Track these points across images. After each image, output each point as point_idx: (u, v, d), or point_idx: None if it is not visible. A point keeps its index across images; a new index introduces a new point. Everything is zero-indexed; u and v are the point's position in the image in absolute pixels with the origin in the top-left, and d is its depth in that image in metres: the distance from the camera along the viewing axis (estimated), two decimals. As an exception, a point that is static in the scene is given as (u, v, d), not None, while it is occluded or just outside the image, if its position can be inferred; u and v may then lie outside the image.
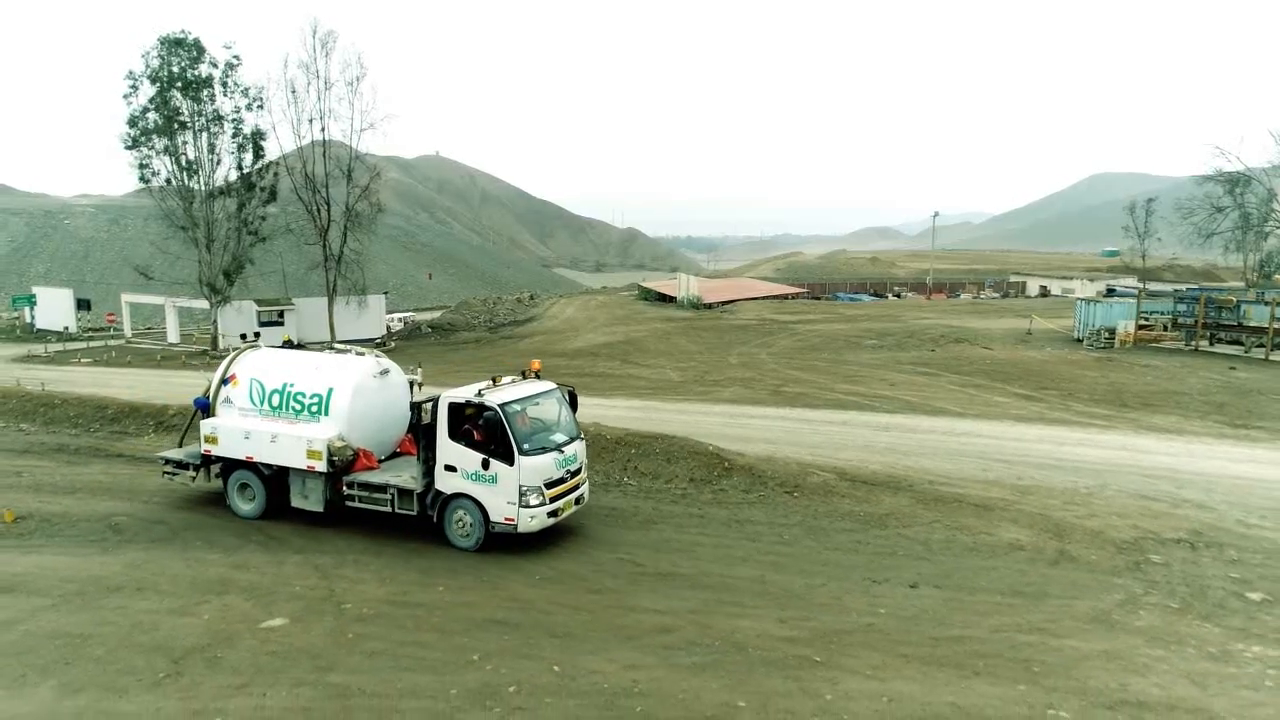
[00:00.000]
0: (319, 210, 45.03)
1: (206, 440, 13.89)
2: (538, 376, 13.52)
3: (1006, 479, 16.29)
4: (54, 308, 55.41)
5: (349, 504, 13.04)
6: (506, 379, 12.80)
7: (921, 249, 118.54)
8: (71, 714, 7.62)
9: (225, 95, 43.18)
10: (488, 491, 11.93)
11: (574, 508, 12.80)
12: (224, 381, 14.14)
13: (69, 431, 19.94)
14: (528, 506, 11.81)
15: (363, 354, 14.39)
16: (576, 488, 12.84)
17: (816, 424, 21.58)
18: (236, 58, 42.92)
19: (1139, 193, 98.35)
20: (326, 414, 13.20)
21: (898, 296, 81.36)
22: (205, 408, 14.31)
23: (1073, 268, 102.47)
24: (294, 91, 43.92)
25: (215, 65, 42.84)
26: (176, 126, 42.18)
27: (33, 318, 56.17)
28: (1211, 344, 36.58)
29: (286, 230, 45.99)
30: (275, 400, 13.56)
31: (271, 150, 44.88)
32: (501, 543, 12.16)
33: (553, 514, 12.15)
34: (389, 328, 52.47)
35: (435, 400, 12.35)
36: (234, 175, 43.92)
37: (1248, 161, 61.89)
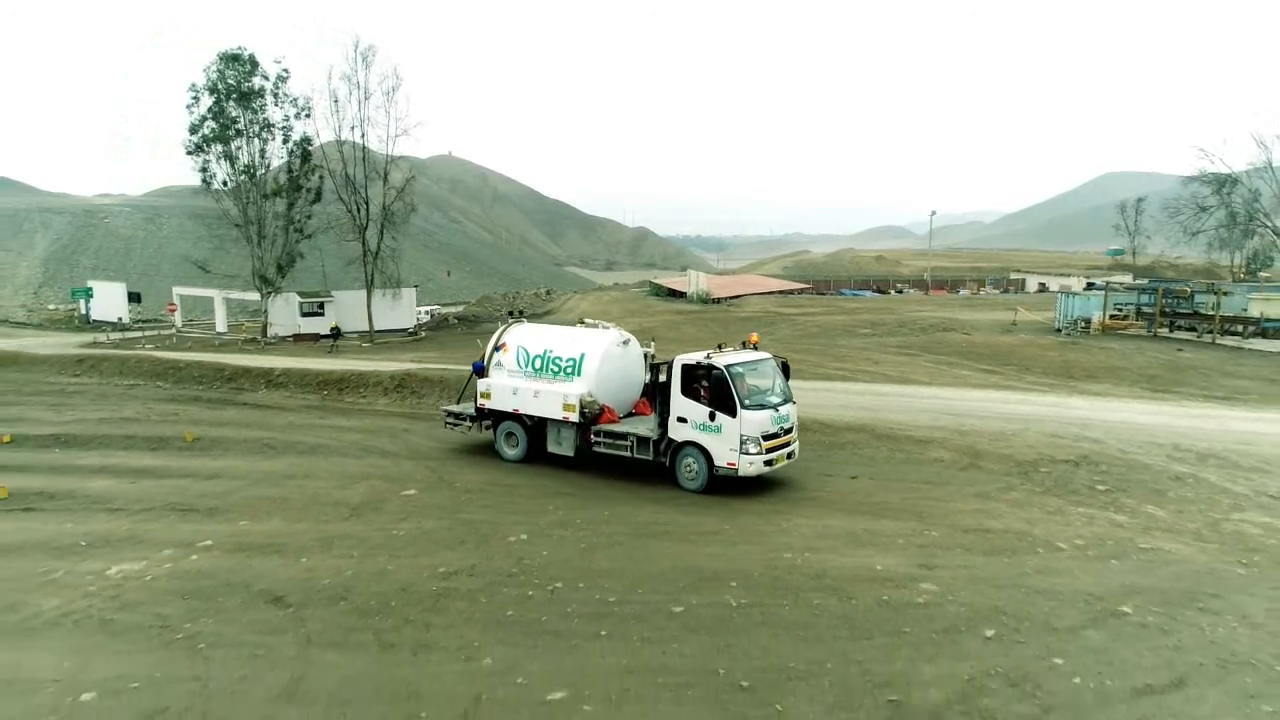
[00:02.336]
0: (358, 209, 49.28)
1: (481, 396, 16.56)
2: (755, 348, 15.44)
3: (950, 425, 20.37)
4: (108, 300, 58.99)
5: (595, 449, 15.32)
6: (729, 348, 14.79)
7: (930, 248, 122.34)
8: (300, 531, 11.98)
9: (276, 105, 47.42)
10: (713, 440, 13.74)
11: (786, 461, 14.39)
12: (496, 349, 16.66)
13: (197, 388, 24.53)
14: (747, 454, 13.49)
15: (608, 328, 16.73)
16: (789, 444, 14.46)
17: (803, 391, 25.43)
18: (286, 71, 47.04)
19: (1148, 191, 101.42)
20: (579, 375, 15.51)
21: (899, 292, 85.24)
22: (480, 370, 16.82)
23: (1074, 266, 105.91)
24: (336, 100, 48.19)
25: (266, 78, 47.07)
26: (233, 133, 46.43)
27: (87, 309, 60.00)
28: (1171, 330, 40.53)
29: (328, 228, 50.14)
30: (537, 364, 15.98)
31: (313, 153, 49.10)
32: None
33: (768, 463, 13.78)
34: (417, 319, 56.57)
35: (671, 362, 14.42)
36: (283, 178, 48.21)
37: (1233, 163, 64.97)
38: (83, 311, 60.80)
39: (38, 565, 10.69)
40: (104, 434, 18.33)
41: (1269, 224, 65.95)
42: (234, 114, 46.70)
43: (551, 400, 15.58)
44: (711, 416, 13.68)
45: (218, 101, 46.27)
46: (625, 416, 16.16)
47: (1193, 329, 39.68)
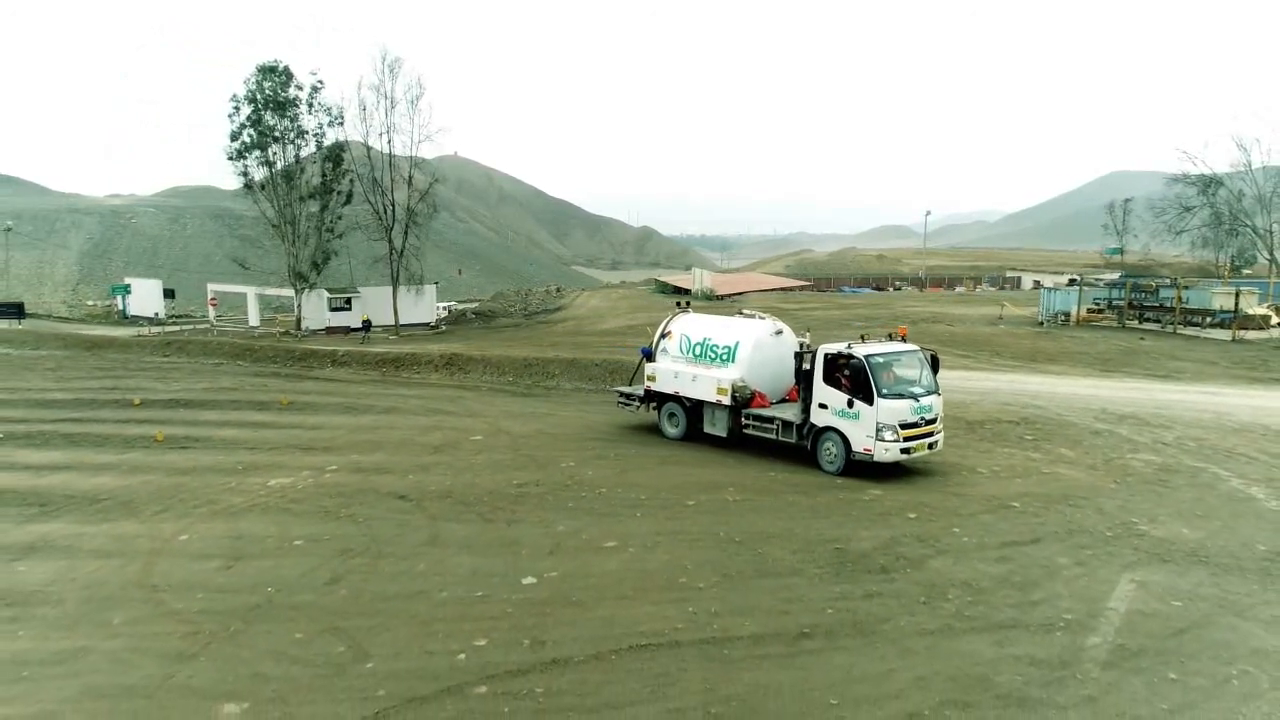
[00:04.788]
0: (384, 211, 52.75)
1: (648, 379, 17.92)
2: (904, 340, 15.88)
3: (919, 396, 23.95)
4: (145, 296, 62.19)
5: (745, 431, 16.21)
6: (872, 339, 15.63)
7: (932, 246, 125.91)
8: (399, 460, 15.67)
9: (310, 114, 50.92)
10: (851, 426, 14.32)
11: (926, 450, 14.65)
12: (662, 336, 18.05)
13: (273, 366, 28.35)
14: (883, 440, 13.94)
15: (763, 318, 17.70)
16: (931, 434, 14.70)
17: (796, 370, 29.29)
18: (320, 82, 50.46)
19: (1153, 191, 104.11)
20: (733, 361, 16.58)
21: (897, 289, 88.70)
22: (649, 355, 18.23)
23: (1071, 264, 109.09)
24: (364, 109, 51.67)
25: (300, 88, 50.53)
26: (270, 140, 49.91)
27: (125, 305, 63.33)
28: (1140, 322, 43.91)
29: (356, 227, 53.57)
30: (697, 351, 17.15)
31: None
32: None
33: (905, 451, 14.14)
34: (437, 314, 60.00)
35: (814, 351, 15.26)
36: (315, 181, 51.72)
37: (1217, 164, 67.97)
38: (120, 307, 63.86)
39: (214, 480, 14.41)
40: (212, 399, 22.09)
41: (1249, 224, 69.20)
42: (271, 122, 50.21)
43: (707, 384, 16.73)
44: (850, 404, 14.31)
45: (256, 111, 49.71)
46: (778, 402, 16.92)
47: (1158, 320, 43.08)
